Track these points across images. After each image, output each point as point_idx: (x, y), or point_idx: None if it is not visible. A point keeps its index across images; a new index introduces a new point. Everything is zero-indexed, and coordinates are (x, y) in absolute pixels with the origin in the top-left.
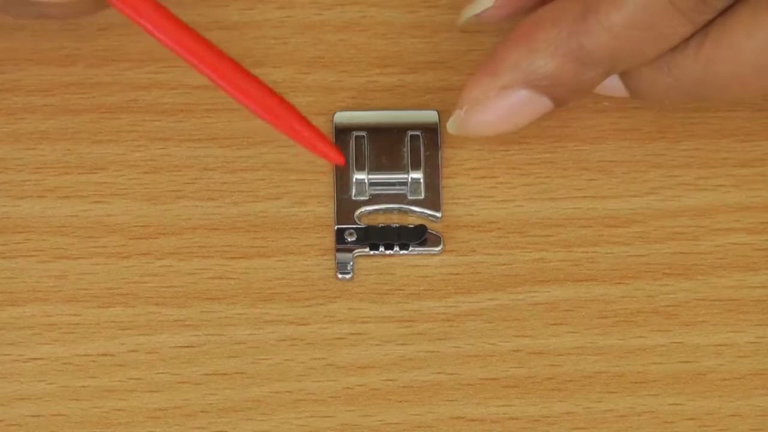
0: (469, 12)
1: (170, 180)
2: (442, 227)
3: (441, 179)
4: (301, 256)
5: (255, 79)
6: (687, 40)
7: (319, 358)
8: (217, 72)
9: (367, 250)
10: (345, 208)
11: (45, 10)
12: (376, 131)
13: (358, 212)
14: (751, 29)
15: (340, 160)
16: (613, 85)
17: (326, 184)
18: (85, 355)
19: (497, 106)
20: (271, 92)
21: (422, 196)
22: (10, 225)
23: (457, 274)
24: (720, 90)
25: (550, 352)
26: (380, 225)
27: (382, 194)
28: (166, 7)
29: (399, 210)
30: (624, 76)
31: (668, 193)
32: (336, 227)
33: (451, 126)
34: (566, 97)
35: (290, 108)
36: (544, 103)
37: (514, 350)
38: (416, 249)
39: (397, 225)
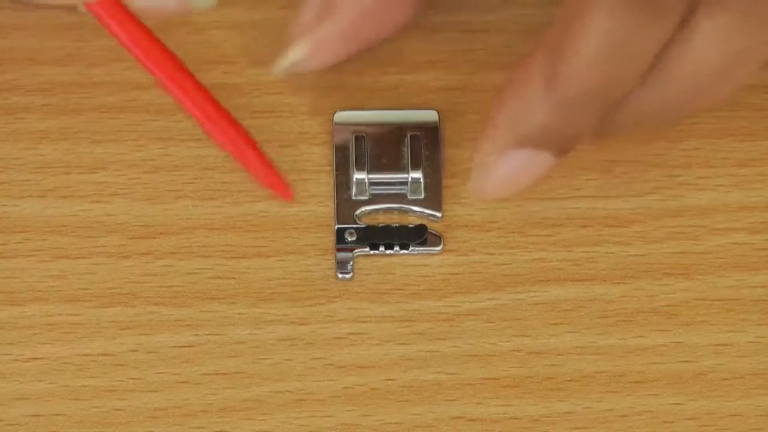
0: (283, 63)
1: (170, 180)
2: (442, 227)
3: (441, 179)
4: (301, 255)
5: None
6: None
7: (319, 358)
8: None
9: (367, 249)
10: (345, 207)
11: None
12: (376, 131)
13: (358, 212)
14: (709, 34)
15: (288, 196)
16: None
17: (326, 184)
18: (85, 355)
19: (500, 170)
20: (233, 123)
21: (422, 196)
22: (10, 225)
23: (457, 274)
24: (690, 100)
25: (550, 352)
26: (380, 225)
27: (382, 194)
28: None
29: (399, 210)
30: None
31: (668, 193)
32: (336, 227)
33: (471, 193)
34: (566, 146)
35: (248, 138)
36: (545, 159)
37: (514, 350)
38: (416, 249)
39: (397, 225)
